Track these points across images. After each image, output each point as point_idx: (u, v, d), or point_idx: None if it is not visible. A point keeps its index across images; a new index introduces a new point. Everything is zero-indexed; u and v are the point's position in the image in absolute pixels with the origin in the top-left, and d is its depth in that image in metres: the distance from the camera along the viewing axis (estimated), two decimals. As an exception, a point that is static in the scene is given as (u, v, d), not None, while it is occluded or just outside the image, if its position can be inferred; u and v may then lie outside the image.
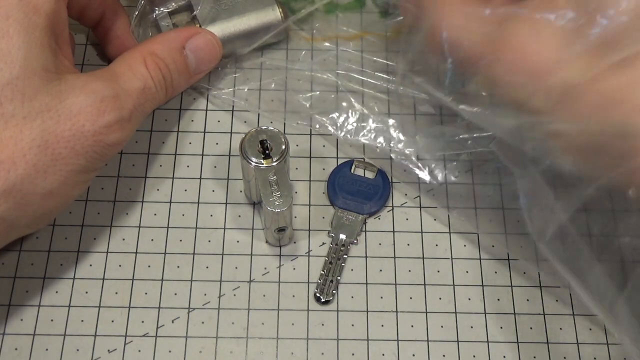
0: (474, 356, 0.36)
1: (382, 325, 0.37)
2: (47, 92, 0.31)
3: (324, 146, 0.42)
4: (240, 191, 0.40)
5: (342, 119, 0.41)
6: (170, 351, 0.36)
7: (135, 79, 0.35)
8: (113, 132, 0.33)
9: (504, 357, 0.36)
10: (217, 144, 0.41)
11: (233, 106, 0.42)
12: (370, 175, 0.41)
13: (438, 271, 0.38)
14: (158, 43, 0.37)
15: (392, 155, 0.40)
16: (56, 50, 0.33)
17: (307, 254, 0.39)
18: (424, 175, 0.40)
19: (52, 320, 0.36)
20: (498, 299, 0.38)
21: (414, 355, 0.36)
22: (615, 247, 0.38)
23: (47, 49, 0.32)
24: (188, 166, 0.41)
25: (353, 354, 0.36)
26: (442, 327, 0.37)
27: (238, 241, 0.39)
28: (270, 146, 0.36)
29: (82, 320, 0.36)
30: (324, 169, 0.41)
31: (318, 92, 0.43)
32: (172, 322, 0.37)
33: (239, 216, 0.39)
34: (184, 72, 0.39)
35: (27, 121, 0.31)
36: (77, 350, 0.36)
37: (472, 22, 0.31)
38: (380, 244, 0.39)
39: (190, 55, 0.39)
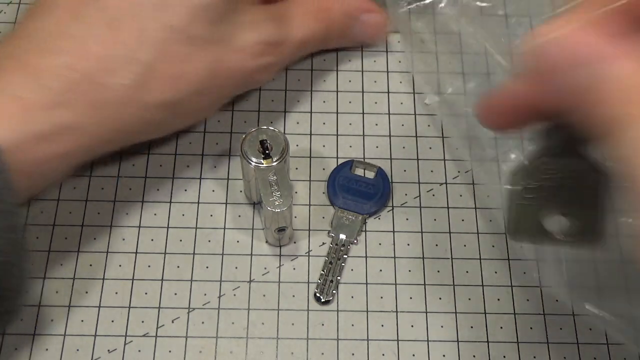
0: (474, 356, 0.36)
1: (382, 325, 0.37)
2: (228, 21, 0.34)
3: (324, 146, 0.42)
4: (240, 191, 0.40)
5: None
6: (170, 351, 0.36)
7: (303, 30, 0.38)
8: (267, 72, 0.38)
9: (504, 357, 0.36)
10: (217, 144, 0.41)
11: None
12: (370, 175, 0.41)
13: (438, 271, 0.38)
14: (338, 2, 0.40)
15: None
16: None
17: (307, 254, 0.39)
18: None
19: (52, 320, 0.36)
20: (498, 299, 0.38)
21: (414, 355, 0.36)
22: None
23: None
24: (188, 166, 0.41)
25: (353, 354, 0.36)
26: (442, 327, 0.37)
27: (238, 241, 0.39)
28: (270, 146, 0.36)
29: (82, 320, 0.36)
30: (324, 169, 0.41)
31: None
32: (172, 322, 0.37)
33: (239, 216, 0.39)
34: (343, 38, 0.41)
35: (206, 45, 0.34)
36: (77, 350, 0.36)
37: None
38: (380, 244, 0.39)
39: (358, 27, 0.41)
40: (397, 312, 0.37)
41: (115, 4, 0.33)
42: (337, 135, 0.42)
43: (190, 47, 0.33)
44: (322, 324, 0.37)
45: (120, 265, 0.38)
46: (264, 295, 0.37)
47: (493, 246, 0.39)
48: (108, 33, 0.32)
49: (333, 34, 0.41)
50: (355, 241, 0.39)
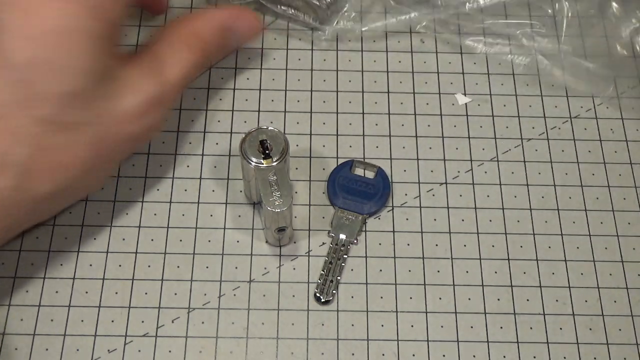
0: (474, 356, 0.36)
1: (382, 325, 0.37)
2: (100, 97, 0.32)
3: (324, 146, 0.42)
4: (240, 191, 0.40)
5: None
6: (170, 351, 0.36)
7: (180, 68, 0.35)
8: (156, 126, 0.36)
9: (504, 357, 0.36)
10: (217, 144, 0.41)
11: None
12: (370, 175, 0.41)
13: (438, 271, 0.38)
14: (201, 22, 0.37)
15: None
16: (112, 51, 0.33)
17: (307, 254, 0.39)
18: None
19: (52, 320, 0.36)
20: (498, 299, 0.38)
21: (414, 355, 0.36)
22: None
23: (106, 54, 0.32)
24: (188, 166, 0.41)
25: (353, 354, 0.36)
26: (442, 327, 0.37)
27: (238, 241, 0.39)
28: (270, 146, 0.35)
29: (82, 320, 0.36)
30: (324, 169, 0.41)
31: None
32: (172, 322, 0.37)
33: (239, 216, 0.39)
34: (223, 52, 0.40)
35: (84, 128, 0.32)
36: (77, 350, 0.36)
37: None
38: (380, 244, 0.39)
39: (234, 36, 0.39)
40: (397, 312, 0.37)
41: None
42: (337, 135, 0.42)
43: (67, 134, 0.31)
44: (322, 324, 0.37)
45: (120, 265, 0.38)
46: (264, 295, 0.37)
47: (493, 246, 0.39)
48: None
49: (212, 55, 0.39)
50: (355, 241, 0.39)
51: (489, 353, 0.36)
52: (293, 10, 0.44)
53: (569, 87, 0.44)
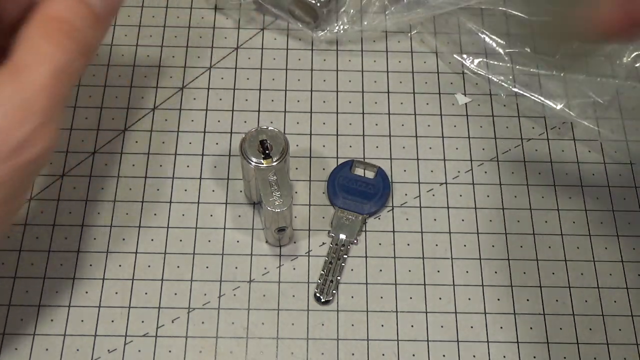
0: (474, 356, 0.36)
1: (382, 325, 0.37)
2: None
3: (324, 146, 0.42)
4: (240, 191, 0.40)
5: None
6: (170, 351, 0.36)
7: (43, 66, 0.27)
8: (30, 145, 0.27)
9: (504, 357, 0.36)
10: (217, 144, 0.41)
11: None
12: (370, 175, 0.41)
13: (438, 271, 0.38)
14: (53, 1, 0.29)
15: None
16: None
17: (307, 254, 0.39)
18: None
19: (52, 320, 0.36)
20: (498, 299, 0.38)
21: (414, 355, 0.36)
22: None
23: None
24: (188, 166, 0.41)
25: (353, 354, 0.36)
26: (442, 327, 0.37)
27: (238, 241, 0.39)
28: (270, 146, 0.35)
29: (82, 320, 0.36)
30: (324, 169, 0.41)
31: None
32: (172, 322, 0.37)
33: (239, 216, 0.39)
34: (95, 23, 0.29)
35: None
36: (77, 350, 0.36)
37: None
38: (380, 244, 0.39)
39: (101, 9, 0.29)
40: (397, 312, 0.37)
41: None
42: (337, 135, 0.42)
43: None
44: (322, 324, 0.37)
45: (120, 265, 0.38)
46: (264, 295, 0.37)
47: (493, 246, 0.39)
48: None
49: (86, 31, 0.29)
50: (355, 241, 0.39)
51: (489, 353, 0.36)
52: (293, 11, 0.44)
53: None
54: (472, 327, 0.37)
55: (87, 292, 0.37)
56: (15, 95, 0.26)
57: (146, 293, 0.37)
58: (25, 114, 0.27)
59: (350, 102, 0.43)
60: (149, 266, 0.38)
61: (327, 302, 0.37)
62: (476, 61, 0.44)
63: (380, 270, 0.38)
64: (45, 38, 0.27)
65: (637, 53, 0.43)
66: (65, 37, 0.28)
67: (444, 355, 0.36)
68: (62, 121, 0.30)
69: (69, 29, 0.28)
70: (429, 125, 0.42)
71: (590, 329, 0.37)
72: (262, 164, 0.35)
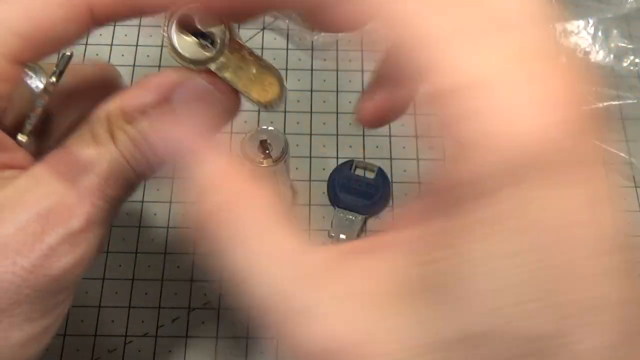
0: (474, 356, 0.36)
1: (382, 325, 0.37)
2: None
3: (324, 146, 0.42)
4: (240, 191, 0.40)
5: None
6: (170, 351, 0.36)
7: (97, 164, 0.23)
8: (60, 257, 0.23)
9: (504, 357, 0.36)
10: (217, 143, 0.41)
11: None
12: (370, 175, 0.41)
13: (438, 271, 0.38)
14: (131, 96, 0.25)
15: None
16: None
17: (307, 254, 0.39)
18: None
19: (52, 320, 0.36)
20: (498, 299, 0.38)
21: (414, 355, 0.36)
22: None
23: None
24: (188, 166, 0.41)
25: (353, 354, 0.36)
26: (442, 327, 0.37)
27: (238, 241, 0.39)
28: (270, 146, 0.35)
29: (82, 320, 0.36)
30: (324, 169, 0.41)
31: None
32: (172, 322, 0.37)
33: (239, 216, 0.39)
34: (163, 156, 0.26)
35: None
36: (77, 350, 0.36)
37: None
38: (380, 244, 0.39)
39: (180, 109, 0.25)
40: (397, 312, 0.37)
41: None
42: (337, 135, 0.42)
43: None
44: (322, 324, 0.37)
45: (120, 265, 0.38)
46: (264, 295, 0.37)
47: (493, 246, 0.39)
48: None
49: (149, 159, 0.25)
50: (355, 241, 0.39)
51: (489, 353, 0.36)
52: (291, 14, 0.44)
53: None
54: (472, 327, 0.37)
55: (87, 292, 0.37)
56: (56, 193, 0.23)
57: (146, 293, 0.37)
58: (62, 217, 0.23)
59: (350, 102, 0.43)
60: (149, 266, 0.38)
61: (327, 302, 0.37)
62: None
63: (380, 270, 0.38)
64: (108, 134, 0.23)
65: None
66: (129, 141, 0.24)
67: (444, 355, 0.36)
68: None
69: (135, 134, 0.24)
70: (429, 125, 0.42)
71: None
72: (262, 164, 0.35)
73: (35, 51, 0.23)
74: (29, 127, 0.24)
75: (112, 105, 0.24)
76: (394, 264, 0.17)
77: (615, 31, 0.44)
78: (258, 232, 0.19)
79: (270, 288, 0.18)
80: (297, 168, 0.41)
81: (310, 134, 0.42)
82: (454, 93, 0.17)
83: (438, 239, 0.17)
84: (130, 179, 0.24)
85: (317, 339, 0.17)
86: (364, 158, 0.41)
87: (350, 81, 0.44)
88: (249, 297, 0.19)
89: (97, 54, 0.44)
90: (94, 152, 0.23)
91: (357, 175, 0.40)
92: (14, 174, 0.23)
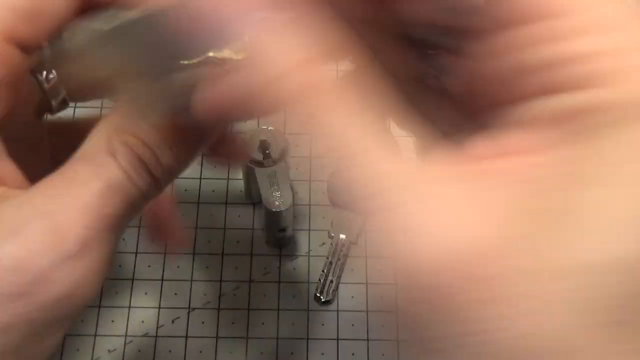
0: (474, 356, 0.36)
1: (382, 326, 0.37)
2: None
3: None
4: (240, 191, 0.40)
5: None
6: (170, 351, 0.36)
7: (92, 180, 0.21)
8: (53, 284, 0.21)
9: (504, 357, 0.36)
10: (217, 144, 0.41)
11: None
12: (370, 175, 0.41)
13: (438, 271, 0.38)
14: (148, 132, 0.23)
15: None
16: None
17: (307, 254, 0.39)
18: None
19: (52, 320, 0.36)
20: (498, 299, 0.38)
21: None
22: None
23: None
24: (188, 166, 0.41)
25: (353, 354, 0.36)
26: (442, 327, 0.37)
27: (238, 241, 0.39)
28: (270, 146, 0.36)
29: (82, 321, 0.36)
30: (324, 169, 0.41)
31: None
32: (172, 322, 0.37)
33: (239, 216, 0.39)
34: (182, 146, 0.24)
35: None
36: (77, 350, 0.36)
37: None
38: (380, 244, 0.39)
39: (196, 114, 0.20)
40: (397, 312, 0.37)
41: None
42: (337, 135, 0.42)
43: None
44: (322, 324, 0.37)
45: (120, 266, 0.38)
46: (264, 295, 0.37)
47: (493, 246, 0.39)
48: None
49: (162, 151, 0.23)
50: (355, 241, 0.39)
51: (489, 353, 0.36)
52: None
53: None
54: (472, 327, 0.37)
55: (87, 292, 0.37)
56: (48, 221, 0.21)
57: (146, 293, 0.37)
58: (53, 242, 0.21)
59: (350, 102, 0.43)
60: (149, 266, 0.38)
61: (327, 302, 0.37)
62: None
63: (381, 270, 0.38)
64: (108, 151, 0.22)
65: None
66: (131, 154, 0.22)
67: (444, 355, 0.36)
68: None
69: (139, 146, 0.22)
70: (429, 125, 0.42)
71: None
72: (262, 164, 0.35)
73: (31, 26, 0.21)
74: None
75: (112, 119, 0.22)
76: (520, 190, 0.16)
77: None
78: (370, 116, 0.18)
79: (385, 170, 0.18)
80: (297, 168, 0.41)
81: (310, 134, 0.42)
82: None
83: (568, 167, 0.16)
84: (132, 196, 0.22)
85: (445, 242, 0.16)
86: (364, 158, 0.41)
87: (350, 81, 0.44)
88: (358, 170, 0.18)
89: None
90: (89, 170, 0.21)
91: (357, 175, 0.40)
92: (3, 192, 0.22)
